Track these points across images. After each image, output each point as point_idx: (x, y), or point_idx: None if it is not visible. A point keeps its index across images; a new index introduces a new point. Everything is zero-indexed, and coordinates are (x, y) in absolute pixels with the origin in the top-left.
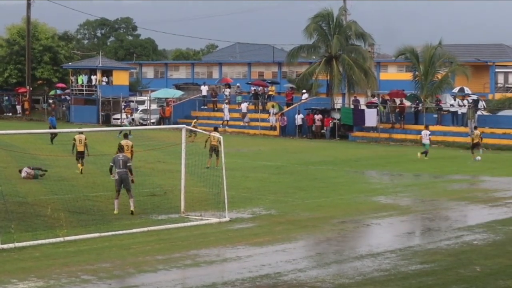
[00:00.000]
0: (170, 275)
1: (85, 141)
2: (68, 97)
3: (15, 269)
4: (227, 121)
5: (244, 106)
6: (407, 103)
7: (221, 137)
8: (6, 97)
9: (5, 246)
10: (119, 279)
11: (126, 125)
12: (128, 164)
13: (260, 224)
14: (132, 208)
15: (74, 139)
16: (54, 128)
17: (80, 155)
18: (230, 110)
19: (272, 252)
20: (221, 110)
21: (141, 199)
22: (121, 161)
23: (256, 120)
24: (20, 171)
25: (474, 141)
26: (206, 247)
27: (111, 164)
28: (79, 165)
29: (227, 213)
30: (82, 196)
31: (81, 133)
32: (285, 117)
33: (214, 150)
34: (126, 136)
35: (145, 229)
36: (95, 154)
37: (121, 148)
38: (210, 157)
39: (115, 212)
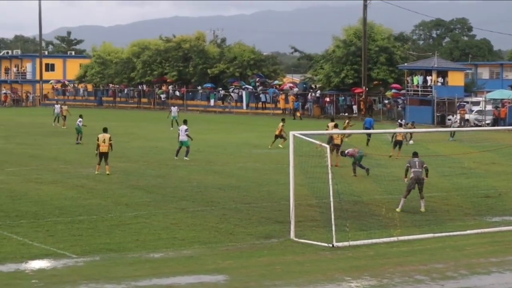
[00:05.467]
0: (504, 278)
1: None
2: (403, 98)
3: (348, 267)
4: None
5: None
6: None
7: None
8: (342, 97)
9: (339, 244)
10: (452, 280)
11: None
12: (425, 165)
13: None
14: (422, 209)
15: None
16: (367, 129)
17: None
18: None
19: None
20: None
21: (474, 200)
22: (417, 162)
23: None
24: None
25: None
26: None
27: (407, 165)
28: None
29: None
30: (416, 196)
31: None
32: None
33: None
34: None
35: (479, 230)
36: (430, 155)
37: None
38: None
39: (397, 210)
